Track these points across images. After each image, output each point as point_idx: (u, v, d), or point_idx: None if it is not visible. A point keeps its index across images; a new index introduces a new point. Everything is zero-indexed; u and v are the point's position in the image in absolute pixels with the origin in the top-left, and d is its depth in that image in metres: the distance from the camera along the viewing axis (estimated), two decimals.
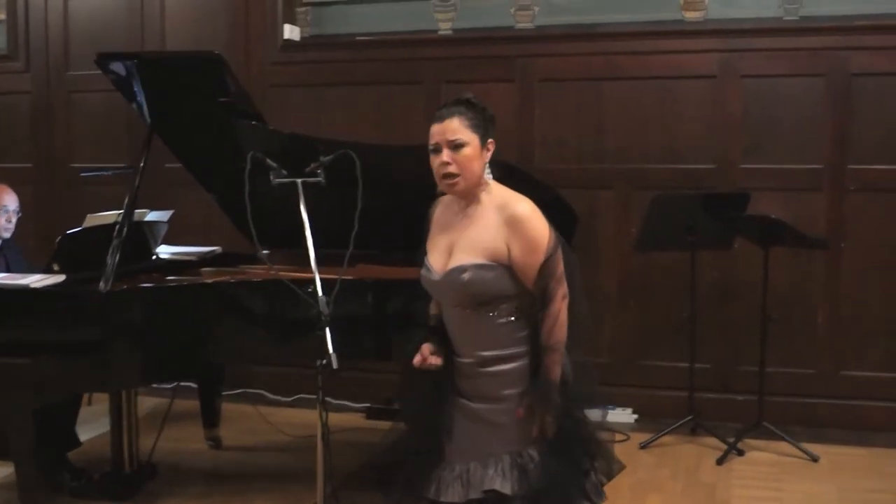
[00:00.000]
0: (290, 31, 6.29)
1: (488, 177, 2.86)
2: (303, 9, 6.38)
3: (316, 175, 3.67)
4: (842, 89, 5.45)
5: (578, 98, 5.85)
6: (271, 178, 3.64)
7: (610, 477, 2.96)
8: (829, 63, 5.45)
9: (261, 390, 6.24)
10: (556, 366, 2.80)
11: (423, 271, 2.93)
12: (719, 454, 5.06)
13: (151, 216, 4.89)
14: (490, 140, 2.85)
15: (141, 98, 4.36)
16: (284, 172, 3.67)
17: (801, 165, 5.53)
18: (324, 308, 3.38)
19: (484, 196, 2.85)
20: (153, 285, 4.32)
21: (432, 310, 3.05)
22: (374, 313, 4.29)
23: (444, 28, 6.15)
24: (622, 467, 3.04)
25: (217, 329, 4.09)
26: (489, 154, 2.85)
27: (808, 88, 5.51)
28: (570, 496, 2.83)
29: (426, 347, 2.92)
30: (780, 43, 5.54)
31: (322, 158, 3.70)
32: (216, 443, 5.25)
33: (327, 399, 6.03)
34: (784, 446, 5.13)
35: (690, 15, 5.70)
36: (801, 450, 5.07)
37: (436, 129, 2.81)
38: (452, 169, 2.78)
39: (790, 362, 5.53)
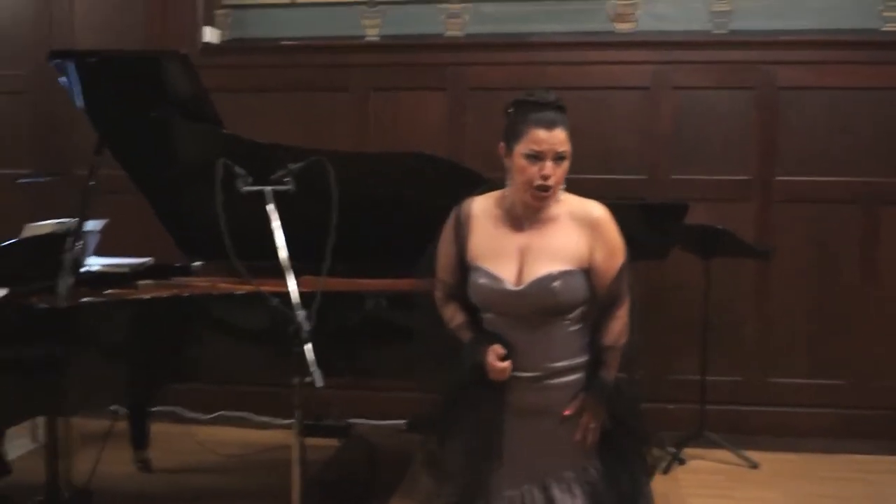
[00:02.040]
0: (210, 34, 6.03)
1: (563, 187, 2.75)
2: (223, 11, 6.13)
3: (283, 183, 3.54)
4: (769, 102, 5.56)
5: None
6: (238, 185, 3.48)
7: (651, 475, 2.89)
8: (758, 76, 5.56)
9: (176, 407, 5.97)
10: (615, 367, 2.74)
11: (482, 280, 2.72)
12: (662, 463, 5.07)
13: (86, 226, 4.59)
14: None
15: (80, 97, 4.08)
16: (251, 180, 3.51)
17: (731, 177, 5.62)
18: (304, 323, 3.23)
19: (553, 202, 2.74)
20: (122, 299, 4.02)
21: (457, 319, 2.84)
22: (338, 327, 4.03)
23: (372, 35, 6.01)
24: (658, 461, 3.01)
25: (190, 346, 3.83)
26: None
27: (737, 101, 5.61)
28: None
29: (499, 348, 2.70)
30: (711, 56, 5.61)
31: (291, 166, 3.55)
32: (145, 465, 4.94)
33: (248, 417, 5.93)
34: (722, 454, 5.19)
35: (621, 27, 5.73)
36: (741, 457, 5.14)
37: (543, 135, 2.63)
38: (551, 182, 2.64)
39: (721, 370, 5.58)
